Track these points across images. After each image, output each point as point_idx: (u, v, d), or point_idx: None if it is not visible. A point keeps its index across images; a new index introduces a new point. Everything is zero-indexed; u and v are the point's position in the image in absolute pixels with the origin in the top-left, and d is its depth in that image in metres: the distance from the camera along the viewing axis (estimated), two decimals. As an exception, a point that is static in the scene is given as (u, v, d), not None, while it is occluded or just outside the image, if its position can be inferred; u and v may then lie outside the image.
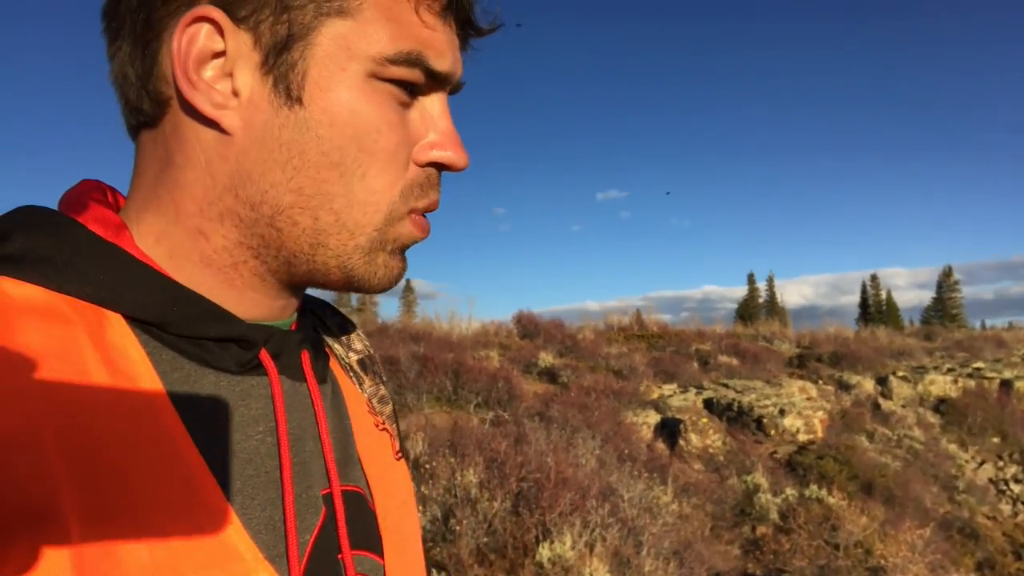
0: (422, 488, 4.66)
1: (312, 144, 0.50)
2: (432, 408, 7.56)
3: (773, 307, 42.32)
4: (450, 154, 0.56)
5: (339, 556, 0.55)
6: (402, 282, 0.59)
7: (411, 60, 0.51)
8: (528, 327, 12.98)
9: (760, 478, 7.35)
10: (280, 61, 0.49)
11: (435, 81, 0.54)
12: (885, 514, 6.57)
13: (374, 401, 0.70)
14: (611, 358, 11.52)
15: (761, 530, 6.45)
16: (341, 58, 0.50)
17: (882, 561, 5.69)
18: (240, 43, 0.49)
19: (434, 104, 0.56)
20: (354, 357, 0.71)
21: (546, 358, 10.51)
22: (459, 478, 4.67)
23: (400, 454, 0.71)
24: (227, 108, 0.50)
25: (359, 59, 0.50)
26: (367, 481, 0.63)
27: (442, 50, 0.54)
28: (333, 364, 0.67)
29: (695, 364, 12.58)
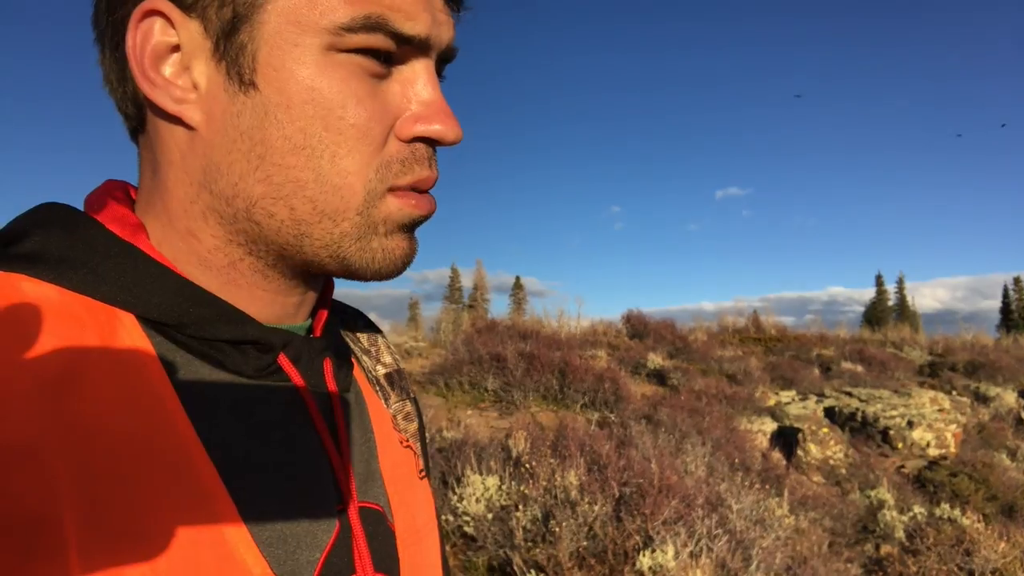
0: (522, 487, 4.62)
1: (273, 129, 0.47)
2: (538, 407, 7.53)
3: (903, 311, 39.98)
4: (437, 127, 0.51)
5: (352, 575, 0.52)
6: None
7: (370, 25, 0.47)
8: (638, 327, 12.79)
9: (885, 493, 6.94)
10: (229, 45, 0.47)
11: (412, 47, 0.50)
12: (1029, 540, 5.99)
13: (399, 418, 0.66)
14: (724, 361, 11.22)
15: (885, 549, 6.04)
16: (292, 33, 0.46)
17: (1024, 592, 5.18)
18: (192, 33, 0.47)
19: (417, 73, 0.51)
20: (381, 371, 0.68)
21: (655, 359, 10.31)
22: (559, 479, 4.60)
23: (424, 473, 0.68)
24: (187, 102, 0.48)
25: (312, 32, 0.46)
26: (388, 499, 0.60)
27: (412, 11, 0.49)
28: (360, 377, 0.65)
29: (816, 370, 12.09)
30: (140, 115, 0.51)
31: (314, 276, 0.55)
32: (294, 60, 0.47)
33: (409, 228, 0.53)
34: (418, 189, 0.52)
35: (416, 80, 0.51)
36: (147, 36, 0.47)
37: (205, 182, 0.49)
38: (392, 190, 0.51)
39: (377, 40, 0.48)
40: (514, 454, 5.24)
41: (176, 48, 0.48)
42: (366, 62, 0.48)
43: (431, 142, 0.52)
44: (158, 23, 0.47)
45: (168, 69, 0.48)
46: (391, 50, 0.49)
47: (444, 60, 0.55)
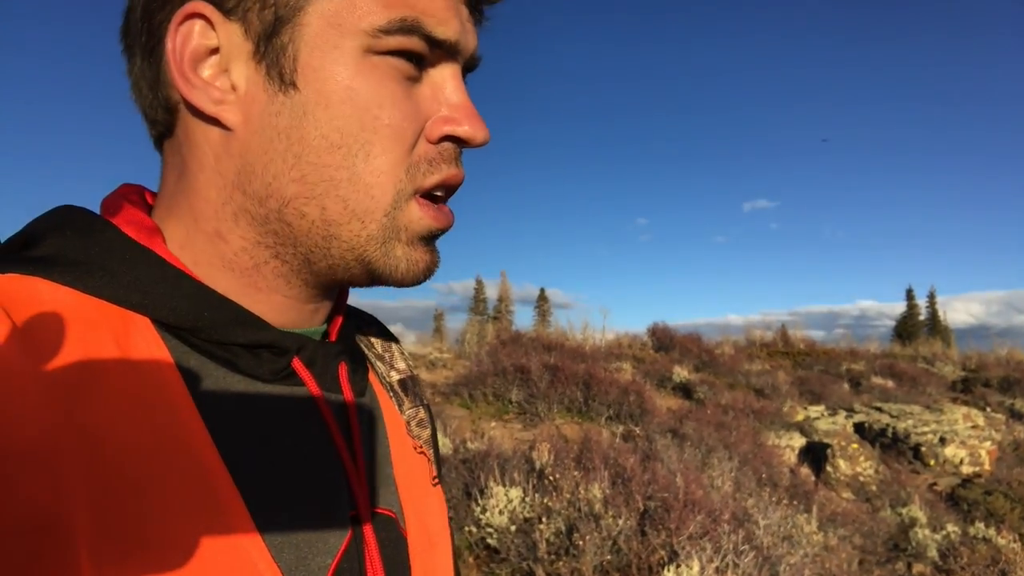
0: (546, 500, 4.59)
1: (311, 128, 0.48)
2: (562, 419, 7.50)
3: (935, 326, 39.24)
4: (466, 127, 0.53)
5: None
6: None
7: (406, 27, 0.49)
8: (663, 340, 12.72)
9: (917, 511, 6.79)
10: (270, 47, 0.48)
11: (442, 51, 0.52)
12: (1067, 561, 5.82)
13: (412, 424, 0.67)
14: (752, 375, 11.11)
15: (917, 568, 5.90)
16: (332, 36, 0.48)
17: (1063, 615, 5.03)
18: (232, 35, 0.49)
19: (445, 77, 0.53)
20: (395, 376, 0.68)
21: (681, 372, 10.23)
22: (583, 492, 4.56)
23: (436, 480, 0.68)
24: (226, 103, 0.49)
25: (351, 34, 0.48)
26: (401, 505, 0.60)
27: (444, 17, 0.51)
28: (374, 382, 0.65)
29: (845, 385, 11.93)
30: (170, 120, 0.51)
31: (333, 287, 0.56)
32: (334, 61, 0.48)
33: (428, 240, 0.54)
34: (447, 186, 0.54)
35: (445, 84, 0.53)
36: (187, 38, 0.48)
37: (239, 183, 0.50)
38: (417, 194, 0.52)
39: (412, 42, 0.49)
40: (538, 466, 5.21)
41: (215, 51, 0.49)
42: (401, 64, 0.50)
43: (459, 142, 0.54)
44: (198, 25, 0.48)
45: (207, 71, 0.49)
46: (424, 53, 0.50)
47: (468, 68, 0.56)
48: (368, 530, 0.53)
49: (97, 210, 0.52)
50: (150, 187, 0.58)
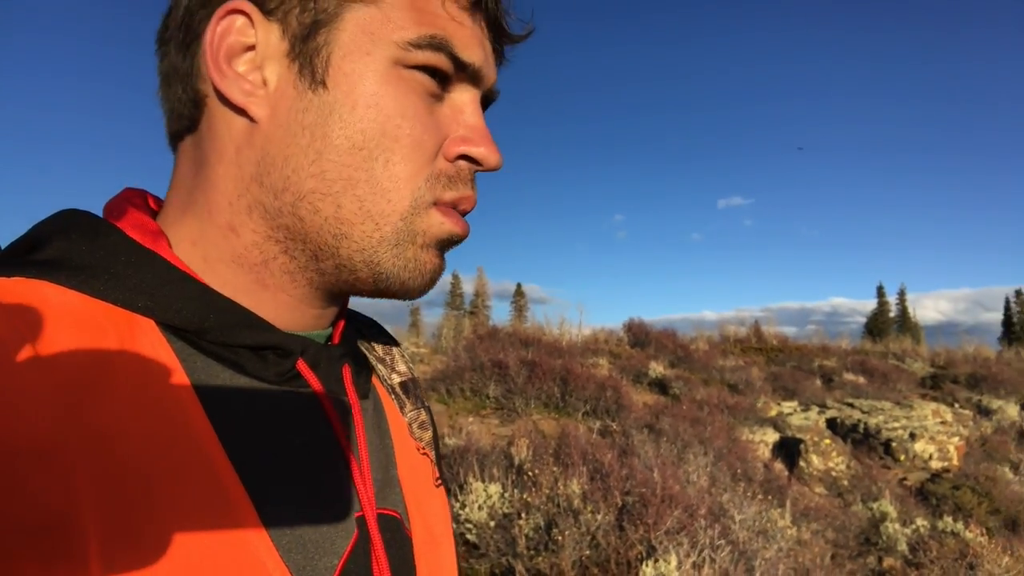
0: (525, 495, 4.60)
1: (335, 127, 0.49)
2: (540, 414, 7.52)
3: (905, 323, 39.86)
4: (482, 149, 0.54)
5: None
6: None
7: (435, 44, 0.51)
8: (639, 335, 12.79)
9: (888, 506, 6.90)
10: (306, 47, 0.50)
11: (465, 75, 0.54)
12: (1032, 554, 5.96)
13: (414, 426, 0.67)
14: (726, 371, 11.22)
15: (888, 562, 6.00)
16: (364, 43, 0.50)
17: (1028, 606, 5.15)
18: (270, 35, 0.50)
19: (466, 101, 0.55)
20: (397, 379, 0.69)
21: (657, 368, 10.30)
22: (562, 488, 4.58)
23: (440, 481, 0.69)
24: (255, 96, 0.50)
25: (382, 44, 0.50)
26: (405, 506, 0.61)
27: (469, 42, 0.53)
28: (376, 384, 0.66)
29: (818, 381, 12.09)
30: (195, 115, 0.52)
31: (336, 292, 0.56)
32: (364, 66, 0.50)
33: (443, 246, 0.55)
34: (459, 208, 0.55)
35: (465, 108, 0.55)
36: (227, 31, 0.50)
37: (257, 175, 0.50)
38: (437, 204, 0.53)
39: (439, 60, 0.51)
40: (516, 462, 5.22)
41: (251, 48, 0.50)
42: (426, 81, 0.52)
43: (473, 163, 0.55)
44: (240, 20, 0.50)
45: (241, 67, 0.50)
46: (449, 72, 0.52)
47: (486, 101, 0.58)
48: (374, 531, 0.54)
49: (100, 214, 0.52)
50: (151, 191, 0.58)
